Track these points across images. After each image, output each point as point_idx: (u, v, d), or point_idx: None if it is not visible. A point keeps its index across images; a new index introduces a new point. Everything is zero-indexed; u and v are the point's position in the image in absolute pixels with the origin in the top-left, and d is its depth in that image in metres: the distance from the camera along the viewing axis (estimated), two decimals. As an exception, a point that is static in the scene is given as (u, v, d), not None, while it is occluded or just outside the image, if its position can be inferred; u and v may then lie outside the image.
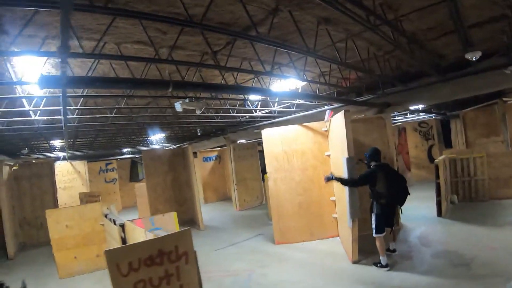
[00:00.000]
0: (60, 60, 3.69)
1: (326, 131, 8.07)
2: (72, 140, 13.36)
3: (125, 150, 20.93)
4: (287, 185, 8.27)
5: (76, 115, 8.05)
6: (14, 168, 11.75)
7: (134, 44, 4.79)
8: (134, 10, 3.71)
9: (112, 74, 5.81)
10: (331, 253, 7.04)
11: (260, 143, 10.96)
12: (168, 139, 18.70)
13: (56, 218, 7.63)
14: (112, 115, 8.63)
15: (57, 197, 12.34)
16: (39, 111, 7.41)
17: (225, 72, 6.53)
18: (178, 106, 6.13)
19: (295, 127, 8.38)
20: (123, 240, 6.36)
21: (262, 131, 8.57)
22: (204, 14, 3.77)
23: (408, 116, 15.74)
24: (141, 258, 3.64)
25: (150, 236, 4.80)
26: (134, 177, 19.01)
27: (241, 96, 8.51)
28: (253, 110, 10.16)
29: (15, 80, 5.15)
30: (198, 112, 6.30)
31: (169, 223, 8.96)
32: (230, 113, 10.03)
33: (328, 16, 4.74)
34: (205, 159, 17.13)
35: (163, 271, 3.76)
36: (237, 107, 9.66)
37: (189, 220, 12.03)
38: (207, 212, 13.90)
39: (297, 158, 8.28)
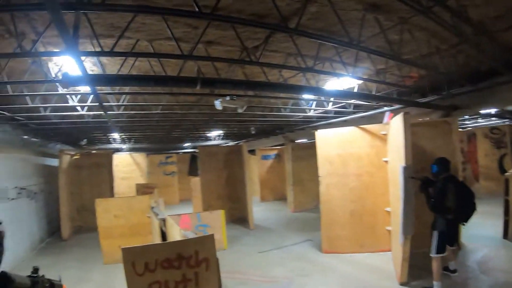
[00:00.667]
0: (74, 59, 3.65)
1: (385, 134, 7.36)
2: (127, 133, 14.04)
3: (186, 145, 21.50)
4: (340, 191, 7.73)
5: (122, 110, 8.32)
6: (75, 157, 12.58)
7: (167, 41, 4.64)
8: (140, 5, 3.49)
9: (151, 72, 5.79)
10: (378, 270, 6.39)
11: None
12: (226, 136, 18.82)
13: (105, 207, 7.94)
14: (157, 111, 8.77)
15: (113, 186, 13.02)
16: (86, 107, 7.80)
17: (269, 68, 6.15)
18: (218, 104, 5.92)
19: (351, 129, 7.82)
20: (163, 234, 6.43)
21: (316, 132, 8.14)
22: (216, 4, 3.41)
23: (479, 120, 14.21)
24: (158, 260, 3.53)
25: (182, 235, 4.71)
26: (192, 172, 19.32)
27: (292, 95, 8.07)
28: (307, 110, 9.65)
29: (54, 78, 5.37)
30: (240, 110, 6.05)
31: (216, 220, 8.96)
32: (281, 111, 9.64)
33: (375, 1, 4.10)
34: (264, 157, 16.88)
35: (180, 275, 3.61)
36: (290, 106, 9.25)
37: (241, 218, 11.97)
38: (261, 211, 13.75)
39: (353, 163, 7.69)
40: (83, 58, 5.10)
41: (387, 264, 6.56)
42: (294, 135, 14.63)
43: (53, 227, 11.06)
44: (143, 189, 11.72)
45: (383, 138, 7.41)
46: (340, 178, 7.71)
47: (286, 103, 9.30)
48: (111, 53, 4.42)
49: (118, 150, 18.62)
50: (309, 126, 12.00)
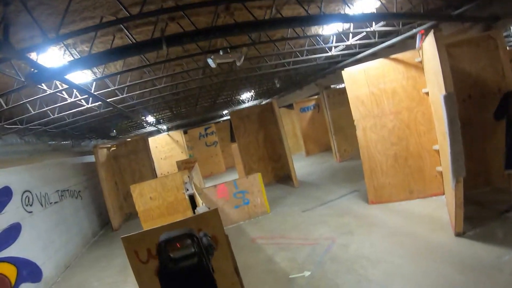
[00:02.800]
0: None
1: (421, 61, 6.30)
2: (154, 114, 13.97)
3: (224, 112, 21.17)
4: (378, 134, 6.94)
5: (126, 93, 7.97)
6: (112, 149, 12.85)
7: (132, 7, 4.01)
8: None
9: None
10: (430, 219, 5.63)
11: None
12: (258, 96, 18.09)
13: (140, 191, 7.93)
14: (162, 85, 8.31)
15: (154, 168, 13.20)
16: (90, 98, 7.60)
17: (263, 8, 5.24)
18: (211, 62, 5.26)
19: (380, 62, 6.84)
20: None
21: (343, 72, 7.27)
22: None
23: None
24: (159, 244, 3.29)
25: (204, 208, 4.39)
26: (234, 138, 19.28)
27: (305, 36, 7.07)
28: (326, 49, 8.57)
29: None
30: (238, 63, 5.36)
31: (254, 185, 8.62)
32: (299, 56, 8.65)
33: None
34: (303, 110, 16.08)
35: (187, 258, 3.34)
36: (306, 47, 8.24)
37: (285, 176, 11.68)
38: (306, 166, 13.36)
39: (388, 100, 6.81)
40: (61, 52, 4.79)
41: (440, 210, 5.79)
42: (326, 81, 13.53)
43: (104, 219, 11.46)
44: (184, 165, 11.70)
45: (419, 67, 6.41)
46: (376, 119, 6.91)
47: (303, 45, 8.30)
48: (58, 39, 3.90)
49: (157, 132, 18.80)
50: (337, 67, 10.84)
